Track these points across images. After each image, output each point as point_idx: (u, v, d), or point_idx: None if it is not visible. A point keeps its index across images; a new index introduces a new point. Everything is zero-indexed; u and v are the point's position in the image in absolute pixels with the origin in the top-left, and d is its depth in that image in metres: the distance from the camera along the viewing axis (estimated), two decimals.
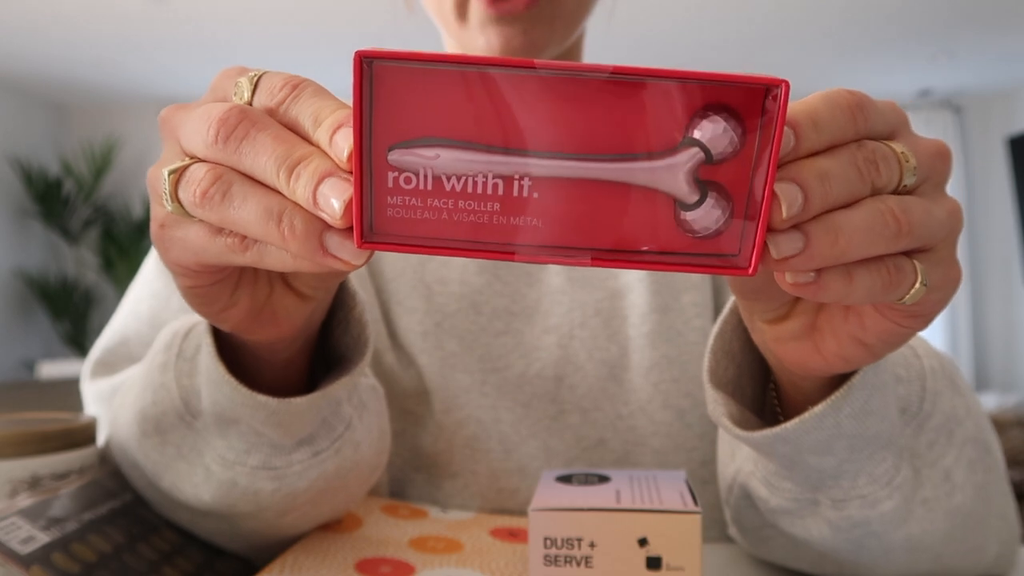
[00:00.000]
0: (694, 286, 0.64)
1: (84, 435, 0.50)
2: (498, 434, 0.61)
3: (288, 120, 0.27)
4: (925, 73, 4.69)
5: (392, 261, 0.65)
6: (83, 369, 0.62)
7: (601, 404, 0.62)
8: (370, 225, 0.25)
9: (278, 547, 0.50)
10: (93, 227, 5.14)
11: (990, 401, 4.30)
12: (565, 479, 0.43)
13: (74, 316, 5.01)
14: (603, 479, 0.43)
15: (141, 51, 4.30)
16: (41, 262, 5.19)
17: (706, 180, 0.25)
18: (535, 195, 0.25)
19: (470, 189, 0.25)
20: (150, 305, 0.60)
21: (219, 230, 0.28)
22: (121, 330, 0.61)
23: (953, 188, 5.12)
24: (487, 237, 0.25)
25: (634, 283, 0.64)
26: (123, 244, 5.02)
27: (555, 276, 0.65)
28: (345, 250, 0.26)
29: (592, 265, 0.25)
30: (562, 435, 0.61)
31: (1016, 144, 4.79)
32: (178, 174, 0.28)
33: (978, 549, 0.45)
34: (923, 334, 0.40)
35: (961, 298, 5.15)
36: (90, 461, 0.50)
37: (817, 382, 0.38)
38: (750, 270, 0.25)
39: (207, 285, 0.32)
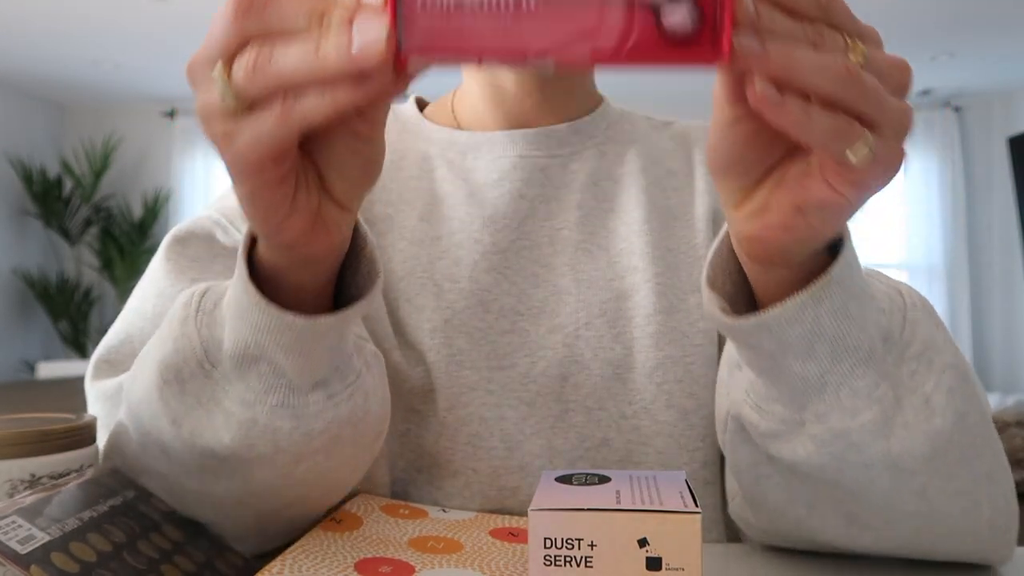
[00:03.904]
0: (700, 288, 0.64)
1: (83, 435, 0.50)
2: (500, 432, 0.61)
3: None
4: (926, 73, 4.69)
5: (402, 260, 0.65)
6: (87, 368, 0.61)
7: (605, 403, 0.62)
8: (401, 42, 0.30)
9: (281, 526, 0.50)
10: (93, 227, 5.14)
11: (991, 402, 4.29)
12: (565, 479, 0.43)
13: (74, 316, 5.01)
14: (603, 479, 0.43)
15: (141, 51, 4.30)
16: (41, 262, 5.19)
17: None
18: (541, 6, 0.30)
19: (486, 4, 0.30)
20: (155, 304, 0.60)
21: (266, 108, 0.32)
22: (126, 329, 0.61)
23: (954, 189, 5.12)
24: (501, 44, 0.30)
25: (640, 284, 0.64)
26: (123, 244, 5.02)
27: (562, 277, 0.65)
28: (379, 66, 0.30)
29: (591, 62, 0.30)
30: (566, 434, 0.62)
31: (1017, 144, 4.79)
32: (228, 64, 0.32)
33: (965, 494, 0.45)
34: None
35: (962, 298, 5.14)
36: (89, 461, 0.50)
37: (789, 281, 0.41)
38: (724, 56, 0.30)
39: (272, 185, 0.35)
